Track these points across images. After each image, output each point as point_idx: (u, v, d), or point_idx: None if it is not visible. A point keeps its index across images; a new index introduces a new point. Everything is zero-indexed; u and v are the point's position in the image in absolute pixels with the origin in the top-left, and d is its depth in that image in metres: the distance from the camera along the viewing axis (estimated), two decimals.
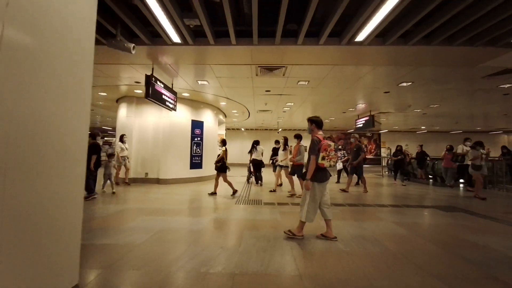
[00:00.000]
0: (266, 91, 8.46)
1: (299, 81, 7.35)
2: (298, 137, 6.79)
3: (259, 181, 9.09)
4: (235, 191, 6.80)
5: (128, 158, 8.22)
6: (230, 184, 6.82)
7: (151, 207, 5.26)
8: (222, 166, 6.73)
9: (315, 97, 9.24)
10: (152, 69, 6.21)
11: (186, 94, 8.92)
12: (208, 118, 10.49)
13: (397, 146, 10.31)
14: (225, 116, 13.39)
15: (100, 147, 6.30)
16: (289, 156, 7.44)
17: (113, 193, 6.66)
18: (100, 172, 6.26)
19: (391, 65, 5.90)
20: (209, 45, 4.88)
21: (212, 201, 6.06)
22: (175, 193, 7.07)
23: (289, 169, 7.16)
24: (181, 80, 7.35)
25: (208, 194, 6.94)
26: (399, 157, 9.87)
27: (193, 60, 5.70)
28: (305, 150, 12.02)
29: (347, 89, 8.08)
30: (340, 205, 5.82)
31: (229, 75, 6.77)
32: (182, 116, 9.44)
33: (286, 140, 7.81)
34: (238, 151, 20.14)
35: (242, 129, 21.24)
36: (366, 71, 6.41)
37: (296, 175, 6.63)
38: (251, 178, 10.04)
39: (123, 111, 9.33)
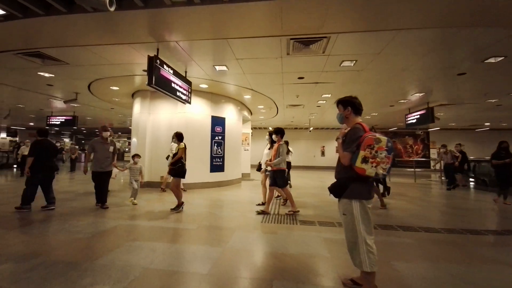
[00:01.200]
0: (299, 78, 6.89)
1: (343, 62, 5.67)
2: (278, 132, 5.11)
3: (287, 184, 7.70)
4: (180, 205, 5.00)
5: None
6: (178, 195, 4.98)
7: (150, 225, 4.01)
8: (179, 170, 4.91)
9: (360, 86, 7.43)
10: (157, 50, 5.01)
11: (203, 86, 7.69)
12: (230, 114, 9.19)
13: (502, 142, 6.29)
14: (251, 113, 12.02)
15: (49, 147, 4.90)
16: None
17: (134, 204, 5.44)
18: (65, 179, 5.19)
19: (482, 25, 4.00)
20: (223, 2, 3.49)
21: (231, 217, 4.66)
22: (189, 203, 5.82)
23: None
24: (195, 67, 6.09)
25: (258, 209, 5.15)
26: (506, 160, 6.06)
27: (204, 32, 4.37)
28: (289, 151, 9.57)
29: (404, 70, 6.20)
30: (407, 228, 4.06)
31: (252, 55, 5.35)
32: (200, 111, 8.24)
33: (271, 135, 5.54)
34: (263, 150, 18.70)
35: (270, 128, 19.76)
36: (445, 37, 4.55)
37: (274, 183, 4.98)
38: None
39: (137, 107, 8.39)
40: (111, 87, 8.03)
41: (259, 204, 5.65)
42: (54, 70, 6.51)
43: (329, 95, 8.77)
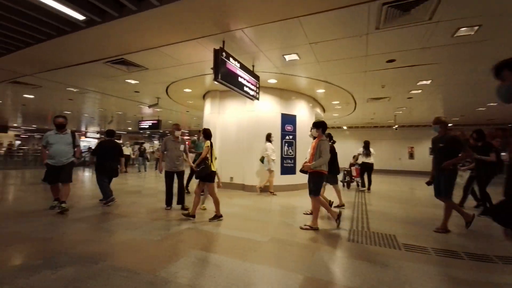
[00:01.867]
0: (388, 61, 5.54)
1: (458, 30, 4.15)
2: (318, 126, 4.04)
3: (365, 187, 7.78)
4: (219, 216, 4.27)
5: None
6: (217, 203, 4.28)
7: (218, 232, 3.60)
8: (205, 172, 4.13)
9: (479, 65, 5.52)
10: (223, 42, 4.67)
11: (272, 81, 7.13)
12: (302, 111, 8.36)
13: None
14: (324, 111, 10.88)
15: (111, 148, 5.30)
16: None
17: (203, 209, 4.94)
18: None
19: None
20: None
21: (304, 232, 3.87)
22: (257, 208, 5.30)
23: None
24: (263, 59, 5.55)
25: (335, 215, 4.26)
26: None
27: (272, 12, 3.73)
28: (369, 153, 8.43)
29: None
30: None
31: (329, 35, 4.43)
32: (269, 108, 7.71)
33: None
34: (340, 154, 16.97)
35: (344, 127, 17.91)
36: None
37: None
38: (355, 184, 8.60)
39: (207, 108, 8.49)
40: (184, 90, 8.34)
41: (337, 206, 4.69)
42: (137, 77, 7.05)
43: (428, 82, 6.94)
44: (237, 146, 7.71)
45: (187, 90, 8.36)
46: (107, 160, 5.16)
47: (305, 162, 4.12)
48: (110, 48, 5.23)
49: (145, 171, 13.01)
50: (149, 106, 9.80)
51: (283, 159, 7.71)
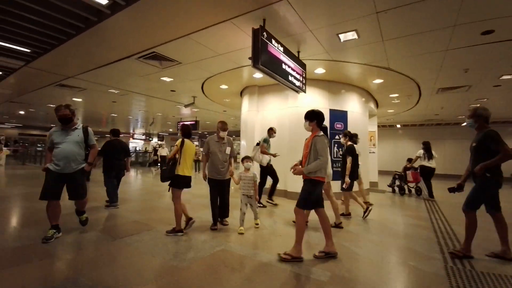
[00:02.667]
0: (484, 32, 4.09)
1: None
2: (311, 117, 3.09)
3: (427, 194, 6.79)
4: (177, 230, 3.48)
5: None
6: (179, 213, 3.52)
7: (260, 261, 2.74)
8: (166, 175, 3.47)
9: None
10: (263, 20, 3.81)
11: (320, 71, 6.06)
12: (354, 106, 7.12)
13: None
14: (377, 106, 9.36)
15: (118, 147, 5.10)
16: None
17: (257, 226, 3.99)
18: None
19: None
20: None
21: (378, 261, 2.79)
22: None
23: None
24: (311, 41, 4.54)
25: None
26: None
27: None
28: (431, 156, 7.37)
29: None
30: None
31: None
32: (316, 104, 6.62)
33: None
34: (391, 156, 15.01)
35: (398, 125, 15.76)
36: None
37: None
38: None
39: (245, 105, 7.75)
40: (220, 86, 7.71)
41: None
42: (171, 73, 6.61)
43: None
44: (278, 146, 6.78)
45: (223, 86, 7.72)
46: (115, 159, 5.00)
47: (296, 164, 3.23)
48: (139, 40, 4.76)
49: None
50: (185, 106, 9.46)
51: (332, 162, 6.55)
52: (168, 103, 10.47)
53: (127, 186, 7.91)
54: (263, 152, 5.29)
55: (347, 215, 4.82)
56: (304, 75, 4.97)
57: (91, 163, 3.49)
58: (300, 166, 3.02)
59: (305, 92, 5.03)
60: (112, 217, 4.34)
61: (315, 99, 6.62)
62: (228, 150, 3.86)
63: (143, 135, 28.61)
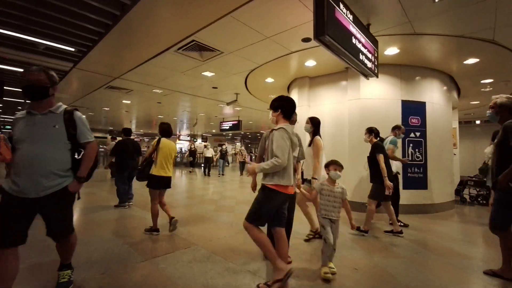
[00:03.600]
0: None
1: None
2: (279, 105, 2.25)
3: None
4: (154, 229, 3.45)
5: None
6: (155, 213, 3.45)
7: None
8: (142, 175, 3.47)
9: None
10: None
11: (392, 51, 4.81)
12: (433, 96, 5.63)
13: None
14: (459, 94, 7.51)
15: (130, 147, 5.05)
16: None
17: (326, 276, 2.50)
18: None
19: None
20: None
21: None
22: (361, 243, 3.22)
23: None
24: (390, 6, 3.41)
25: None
26: None
27: None
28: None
29: None
30: None
31: None
32: (384, 94, 5.38)
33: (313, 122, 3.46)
34: (469, 160, 12.42)
35: (477, 121, 13.04)
36: None
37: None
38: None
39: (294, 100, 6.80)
40: (265, 80, 6.90)
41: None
42: (213, 67, 6.02)
43: None
44: (334, 147, 5.69)
45: (269, 80, 6.89)
46: (128, 159, 4.96)
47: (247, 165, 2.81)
48: (176, 28, 4.21)
49: (223, 174, 12.25)
50: (228, 104, 8.92)
51: (406, 166, 5.22)
52: (210, 102, 10.08)
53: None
54: (392, 158, 4.05)
55: (364, 231, 3.70)
56: (376, 55, 3.84)
57: (82, 177, 1.93)
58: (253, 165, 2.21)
59: (377, 76, 3.88)
60: (143, 224, 3.82)
61: (383, 89, 5.37)
62: (295, 151, 2.43)
63: (188, 136, 29.65)
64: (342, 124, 5.63)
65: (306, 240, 3.37)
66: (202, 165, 14.07)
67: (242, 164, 13.25)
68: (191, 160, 13.50)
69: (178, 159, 17.67)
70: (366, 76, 3.83)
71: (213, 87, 7.88)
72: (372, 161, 3.74)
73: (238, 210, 4.99)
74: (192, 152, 13.42)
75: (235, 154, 19.34)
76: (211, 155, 12.14)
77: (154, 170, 3.35)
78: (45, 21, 4.26)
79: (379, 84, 5.30)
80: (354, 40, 3.16)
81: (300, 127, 3.87)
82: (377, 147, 3.69)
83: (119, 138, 7.06)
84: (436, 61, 5.29)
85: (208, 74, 6.55)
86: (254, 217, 2.09)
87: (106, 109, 12.99)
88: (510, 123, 2.37)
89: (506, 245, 2.47)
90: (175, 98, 9.83)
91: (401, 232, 3.67)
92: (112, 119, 17.54)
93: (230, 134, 27.61)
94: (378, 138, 3.90)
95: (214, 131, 23.03)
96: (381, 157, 3.58)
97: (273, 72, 6.29)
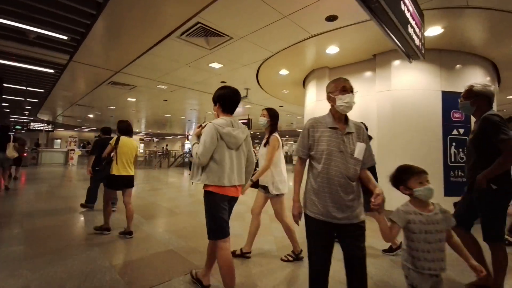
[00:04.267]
0: None
1: None
2: (218, 97, 2.08)
3: None
4: (104, 228, 3.35)
5: None
6: (108, 213, 3.36)
7: None
8: (104, 174, 3.45)
9: None
10: None
11: (434, 32, 4.04)
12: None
13: None
14: (498, 81, 6.57)
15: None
16: None
17: None
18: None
19: None
20: None
21: None
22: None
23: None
24: None
25: None
26: None
27: None
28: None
29: None
30: None
31: None
32: (419, 84, 4.61)
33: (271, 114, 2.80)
34: None
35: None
36: None
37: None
38: None
39: (311, 95, 6.08)
40: (280, 72, 6.22)
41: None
42: (221, 56, 5.39)
43: None
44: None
45: (283, 72, 6.20)
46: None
47: None
48: (179, 5, 3.58)
49: None
50: None
51: (448, 169, 4.42)
52: None
53: (172, 191, 7.03)
54: None
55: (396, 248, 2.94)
56: (422, 30, 3.09)
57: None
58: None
59: (423, 57, 3.13)
60: (142, 239, 3.21)
61: (420, 78, 4.59)
62: (359, 150, 1.60)
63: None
64: (370, 119, 4.86)
65: (284, 260, 2.71)
66: None
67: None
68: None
69: (185, 160, 17.15)
70: (410, 57, 3.08)
71: (221, 82, 7.26)
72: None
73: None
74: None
75: None
76: None
77: (115, 170, 3.24)
78: (31, 2, 3.72)
79: (414, 72, 4.54)
80: (403, 7, 2.43)
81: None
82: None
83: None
84: (480, 45, 4.48)
85: (215, 65, 5.92)
86: (213, 230, 1.89)
87: (112, 107, 12.61)
88: (491, 116, 2.04)
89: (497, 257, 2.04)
90: (182, 95, 9.29)
91: None
92: (119, 119, 17.25)
93: None
94: None
95: None
96: None
97: (288, 62, 5.61)
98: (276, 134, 2.73)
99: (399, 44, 2.72)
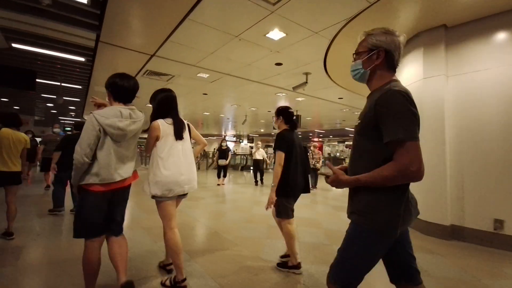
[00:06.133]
0: None
1: None
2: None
3: None
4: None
5: None
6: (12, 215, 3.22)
7: None
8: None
9: None
10: None
11: None
12: None
13: None
14: None
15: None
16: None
17: None
18: None
19: None
20: None
21: None
22: None
23: None
24: None
25: None
26: None
27: None
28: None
29: None
30: None
31: None
32: None
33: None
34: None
35: None
36: None
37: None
38: None
39: (412, 70, 4.24)
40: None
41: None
42: (286, 18, 3.84)
43: None
44: (506, 149, 3.07)
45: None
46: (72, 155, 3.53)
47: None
48: None
49: (262, 184, 9.39)
50: (294, 88, 6.65)
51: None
52: (266, 89, 7.95)
53: (211, 199, 5.66)
54: None
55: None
56: None
57: None
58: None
59: None
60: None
61: None
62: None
63: (233, 136, 28.34)
64: None
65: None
66: (251, 169, 11.93)
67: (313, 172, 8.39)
68: (219, 166, 8.87)
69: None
70: None
71: (277, 64, 5.70)
72: None
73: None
74: (223, 152, 8.92)
75: None
76: (262, 158, 9.87)
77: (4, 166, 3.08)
78: None
79: None
80: None
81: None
82: None
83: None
84: None
85: (275, 35, 4.37)
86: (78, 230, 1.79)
87: (149, 105, 11.92)
88: (395, 92, 1.10)
89: None
90: (223, 87, 7.98)
91: None
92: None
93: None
94: None
95: (262, 130, 21.04)
96: None
97: (382, 21, 3.84)
98: (156, 121, 2.20)
99: None
